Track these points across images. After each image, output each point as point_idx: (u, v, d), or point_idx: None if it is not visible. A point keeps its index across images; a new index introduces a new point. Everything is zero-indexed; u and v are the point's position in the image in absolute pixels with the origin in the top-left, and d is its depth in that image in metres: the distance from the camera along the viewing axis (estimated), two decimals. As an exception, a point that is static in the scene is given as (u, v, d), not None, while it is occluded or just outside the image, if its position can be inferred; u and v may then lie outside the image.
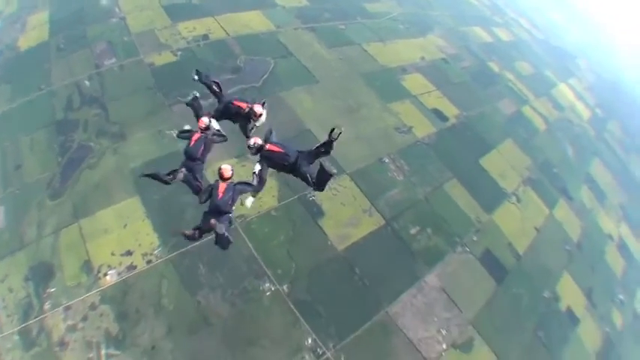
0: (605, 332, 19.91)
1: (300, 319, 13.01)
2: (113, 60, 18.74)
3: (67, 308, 11.99)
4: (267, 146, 9.55)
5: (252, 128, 10.82)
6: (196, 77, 10.94)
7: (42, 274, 12.68)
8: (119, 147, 15.72)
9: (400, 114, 20.99)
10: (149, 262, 13.02)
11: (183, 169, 9.56)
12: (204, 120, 9.37)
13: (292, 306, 13.11)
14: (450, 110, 23.28)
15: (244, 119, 10.32)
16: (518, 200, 20.73)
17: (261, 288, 13.24)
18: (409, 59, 26.01)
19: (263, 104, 10.48)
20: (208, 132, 9.76)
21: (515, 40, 40.52)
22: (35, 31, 21.34)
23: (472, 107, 24.55)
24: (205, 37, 20.56)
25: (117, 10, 21.66)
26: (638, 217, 29.92)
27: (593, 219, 24.67)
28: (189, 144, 9.29)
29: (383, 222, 16.10)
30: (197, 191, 9.38)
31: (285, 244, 14.22)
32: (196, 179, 9.30)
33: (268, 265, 13.67)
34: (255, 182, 9.24)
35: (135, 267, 12.87)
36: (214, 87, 10.52)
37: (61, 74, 18.41)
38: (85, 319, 11.84)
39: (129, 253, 13.16)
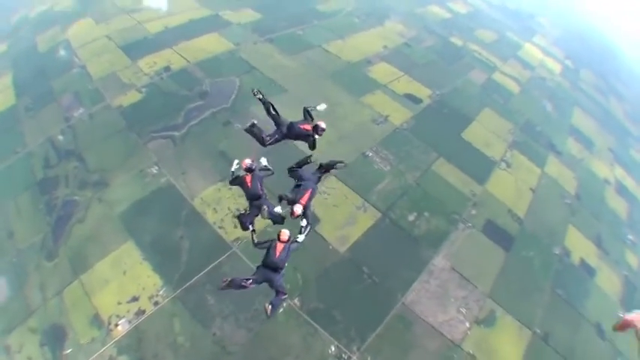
0: (624, 276, 19.96)
1: (318, 329, 12.91)
2: (81, 110, 18.63)
3: (88, 366, 11.90)
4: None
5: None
6: (259, 96, 10.36)
7: (55, 337, 12.50)
8: (103, 195, 15.61)
9: (374, 105, 21.03)
10: (156, 303, 12.88)
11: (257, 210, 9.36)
12: (247, 162, 9.22)
13: (307, 317, 13.02)
14: (422, 92, 23.32)
15: (309, 137, 10.07)
16: (508, 165, 20.80)
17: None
18: (372, 50, 26.10)
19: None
20: (255, 170, 9.60)
21: (472, 11, 40.67)
22: (1, 95, 21.16)
23: (443, 85, 24.63)
24: (167, 68, 20.52)
25: (76, 59, 21.57)
26: (629, 156, 30.10)
27: (585, 168, 24.78)
28: (247, 186, 9.11)
29: (379, 215, 16.06)
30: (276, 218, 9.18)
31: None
32: (271, 212, 9.08)
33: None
34: (307, 231, 9.22)
35: (144, 311, 12.72)
36: (272, 109, 10.19)
37: (34, 134, 18.30)
38: (106, 374, 11.73)
39: (135, 298, 13.02)
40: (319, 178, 9.69)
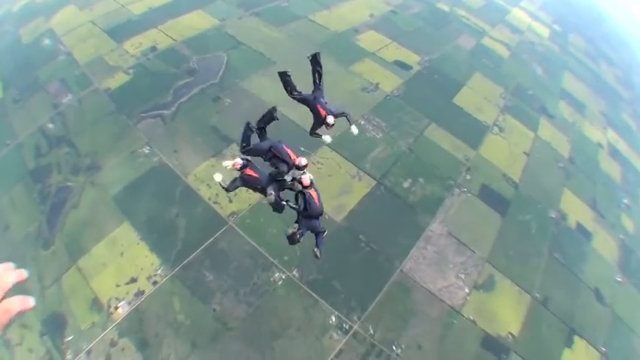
0: (620, 240, 20.18)
1: (318, 300, 12.94)
2: (70, 96, 18.33)
3: (89, 352, 11.78)
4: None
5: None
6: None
7: (56, 326, 12.45)
8: (96, 178, 15.44)
9: (363, 74, 20.91)
10: (155, 283, 12.83)
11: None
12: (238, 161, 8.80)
13: (307, 289, 13.04)
14: (411, 58, 23.18)
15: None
16: (501, 130, 20.78)
17: (271, 279, 13.13)
18: (358, 19, 25.79)
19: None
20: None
21: (458, -24, 40.21)
22: (-12, 91, 20.88)
23: (432, 50, 24.47)
24: (153, 48, 20.21)
25: (61, 47, 21.13)
26: (621, 119, 30.14)
27: (578, 131, 24.82)
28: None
29: (374, 183, 16.00)
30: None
31: (283, 229, 13.96)
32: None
33: (273, 254, 13.54)
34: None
35: (143, 292, 12.69)
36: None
37: (23, 124, 17.99)
38: (108, 358, 11.65)
39: (133, 280, 12.96)
40: None
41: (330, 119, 8.88)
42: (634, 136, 29.82)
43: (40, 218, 14.82)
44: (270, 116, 9.04)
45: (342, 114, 9.24)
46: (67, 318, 12.53)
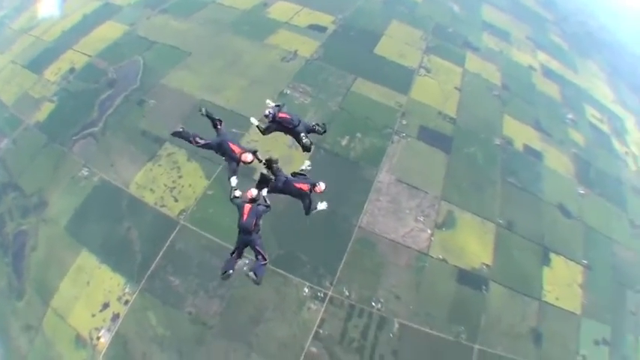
0: (573, 154, 22.22)
1: (286, 275, 14.13)
2: (5, 140, 18.71)
3: (89, 393, 12.58)
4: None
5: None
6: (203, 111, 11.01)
7: (50, 374, 13.12)
8: (46, 214, 16.16)
9: (280, 44, 21.96)
10: (126, 302, 13.75)
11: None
12: (253, 192, 9.86)
13: (273, 267, 14.02)
14: (325, 20, 24.30)
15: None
16: (428, 71, 22.32)
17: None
18: (265, -8, 26.59)
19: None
20: (257, 202, 10.31)
21: None
22: None
23: (344, 8, 25.57)
24: (72, 70, 20.71)
25: (-12, 92, 21.54)
26: (549, 40, 32.49)
27: (506, 58, 26.79)
28: (241, 218, 9.74)
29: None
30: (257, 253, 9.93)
31: (234, 214, 14.77)
32: (258, 252, 9.78)
33: (231, 241, 14.13)
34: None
35: (118, 315, 13.60)
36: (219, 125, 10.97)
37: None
38: (108, 391, 12.50)
39: (106, 305, 13.86)
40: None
41: (247, 157, 10.16)
42: (565, 53, 32.04)
43: (7, 270, 15.54)
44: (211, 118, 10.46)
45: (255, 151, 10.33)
46: (58, 361, 13.39)
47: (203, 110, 10.44)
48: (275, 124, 11.17)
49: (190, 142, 10.06)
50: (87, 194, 16.19)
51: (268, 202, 9.89)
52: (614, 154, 24.89)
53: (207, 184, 15.78)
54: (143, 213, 15.40)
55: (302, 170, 10.94)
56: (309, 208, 10.16)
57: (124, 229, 15.11)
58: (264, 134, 11.34)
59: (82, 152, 17.34)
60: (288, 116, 11.10)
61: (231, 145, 9.92)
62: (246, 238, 9.55)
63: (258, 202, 9.76)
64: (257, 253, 9.51)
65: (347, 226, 15.42)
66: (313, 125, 11.47)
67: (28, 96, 20.15)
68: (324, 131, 11.64)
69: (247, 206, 9.46)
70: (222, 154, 10.09)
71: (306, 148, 11.29)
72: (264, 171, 10.25)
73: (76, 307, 14.03)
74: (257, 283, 9.20)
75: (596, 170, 22.31)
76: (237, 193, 9.72)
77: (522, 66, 27.05)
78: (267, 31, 22.93)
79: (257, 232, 9.61)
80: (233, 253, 9.71)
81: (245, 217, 9.39)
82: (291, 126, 11.07)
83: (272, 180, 10.09)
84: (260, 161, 10.31)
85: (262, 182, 10.23)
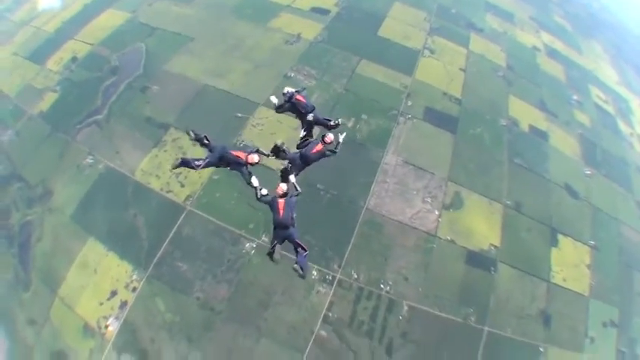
0: (579, 134, 22.30)
1: (294, 258, 14.04)
2: (9, 132, 18.59)
3: (95, 379, 12.67)
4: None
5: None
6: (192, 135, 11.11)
7: (58, 364, 13.24)
8: (51, 204, 16.10)
9: (283, 27, 21.93)
10: (134, 289, 13.77)
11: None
12: (283, 187, 9.93)
13: (282, 251, 14.08)
14: (328, 2, 24.29)
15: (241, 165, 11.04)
16: (432, 52, 22.32)
17: (243, 251, 14.24)
18: (267, -25, 26.48)
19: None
20: (289, 195, 10.38)
21: None
22: None
23: (347, -10, 25.47)
24: (74, 59, 20.59)
25: (-8, 85, 21.46)
26: (553, 21, 32.43)
27: (511, 39, 26.81)
28: (277, 215, 9.79)
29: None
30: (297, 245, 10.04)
31: (241, 198, 15.02)
32: (297, 244, 9.86)
33: (238, 226, 14.59)
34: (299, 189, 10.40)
35: (126, 302, 13.62)
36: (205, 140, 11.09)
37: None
38: (116, 379, 12.59)
39: (113, 293, 13.85)
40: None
41: (254, 157, 10.23)
42: (569, 34, 32.03)
43: (13, 262, 15.45)
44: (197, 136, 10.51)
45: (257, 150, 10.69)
46: (67, 353, 13.47)
47: (191, 134, 10.39)
48: (289, 105, 11.61)
49: (193, 167, 10.17)
50: (92, 182, 16.13)
51: (299, 188, 10.26)
52: (620, 135, 24.89)
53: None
54: (149, 199, 15.38)
55: (302, 138, 11.69)
56: (335, 150, 11.08)
57: (131, 216, 15.07)
58: (277, 112, 11.83)
59: (86, 140, 17.27)
60: (304, 100, 11.59)
61: (233, 153, 10.14)
62: (284, 233, 9.72)
63: (290, 195, 9.93)
64: (297, 245, 9.71)
65: (354, 207, 15.44)
66: (326, 119, 11.89)
67: (31, 87, 20.05)
68: (338, 125, 11.93)
69: (280, 201, 9.67)
70: (228, 165, 10.30)
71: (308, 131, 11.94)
72: (281, 166, 10.79)
73: (83, 296, 14.03)
74: (303, 277, 9.59)
75: (602, 151, 22.36)
76: (264, 191, 9.87)
77: (526, 47, 27.05)
78: (269, 14, 22.86)
79: (294, 226, 9.72)
80: (271, 252, 9.97)
81: (281, 212, 9.57)
82: (304, 111, 11.50)
83: (290, 167, 10.45)
84: (268, 155, 10.72)
85: (285, 173, 10.43)
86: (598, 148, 22.33)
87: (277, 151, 10.48)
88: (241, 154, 10.12)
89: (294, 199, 9.77)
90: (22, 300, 14.74)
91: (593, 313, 16.35)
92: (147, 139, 16.83)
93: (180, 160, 10.08)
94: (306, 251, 9.67)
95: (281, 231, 9.63)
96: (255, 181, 9.91)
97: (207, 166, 10.25)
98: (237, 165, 10.11)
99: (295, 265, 9.37)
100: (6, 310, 14.88)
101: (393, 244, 15.01)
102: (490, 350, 14.23)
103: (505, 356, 14.45)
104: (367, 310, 13.84)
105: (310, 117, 11.52)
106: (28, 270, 15.11)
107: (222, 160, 10.22)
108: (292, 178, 10.21)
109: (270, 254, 9.94)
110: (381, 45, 21.90)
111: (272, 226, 9.73)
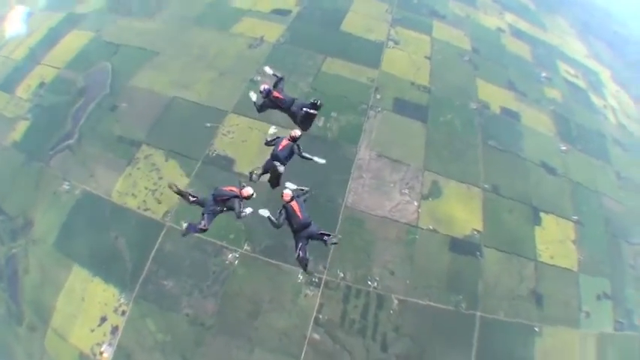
0: (551, 111, 22.71)
1: (279, 264, 14.24)
2: None
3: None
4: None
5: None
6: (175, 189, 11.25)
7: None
8: (33, 234, 15.97)
9: (245, 32, 21.93)
10: (123, 313, 13.77)
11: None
12: (288, 192, 10.36)
13: (264, 258, 14.31)
14: (288, 3, 24.26)
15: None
16: (396, 43, 22.47)
17: (227, 262, 14.30)
18: (225, -18, 26.48)
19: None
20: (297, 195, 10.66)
21: None
22: None
23: (306, -11, 25.56)
24: (42, 84, 20.28)
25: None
26: (516, 1, 32.85)
27: (474, 23, 27.15)
28: (297, 218, 9.99)
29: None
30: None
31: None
32: (322, 234, 10.29)
33: (219, 237, 14.64)
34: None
35: (117, 327, 13.62)
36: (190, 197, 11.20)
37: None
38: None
39: (103, 319, 13.84)
40: None
41: (248, 190, 10.56)
42: (532, 13, 32.61)
43: (4, 296, 15.39)
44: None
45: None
46: (66, 385, 13.42)
47: (174, 188, 10.73)
48: (269, 102, 12.28)
49: (202, 230, 10.53)
50: (70, 208, 16.03)
51: (304, 187, 11.09)
52: (593, 109, 25.31)
53: (189, 181, 15.68)
54: (128, 219, 15.33)
55: (271, 136, 12.22)
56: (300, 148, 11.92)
57: (112, 238, 15.03)
58: (259, 112, 12.54)
59: (60, 166, 17.14)
60: (281, 96, 12.17)
61: (225, 188, 10.52)
62: (306, 232, 10.18)
63: (298, 195, 10.49)
64: (322, 235, 10.23)
65: (333, 206, 15.55)
66: (308, 103, 12.21)
67: (3, 117, 19.81)
68: (320, 105, 12.27)
69: (294, 205, 10.11)
70: (224, 204, 10.52)
71: (304, 124, 12.53)
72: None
73: (75, 324, 13.99)
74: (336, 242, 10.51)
75: (576, 125, 22.70)
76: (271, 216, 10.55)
77: (490, 29, 27.39)
78: (231, 20, 22.85)
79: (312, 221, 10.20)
80: (299, 255, 10.28)
81: (300, 215, 10.05)
82: (284, 106, 12.07)
83: (274, 172, 11.24)
84: (259, 177, 11.66)
85: (274, 180, 10.81)
86: (572, 123, 22.65)
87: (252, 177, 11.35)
88: (234, 189, 10.46)
89: (301, 197, 10.32)
90: (17, 334, 14.69)
91: (585, 287, 16.58)
92: (120, 158, 16.75)
93: (186, 228, 10.81)
94: (329, 235, 10.15)
95: (304, 231, 10.08)
96: (264, 212, 10.53)
97: (211, 217, 10.55)
98: (233, 198, 10.34)
99: (329, 243, 10.07)
100: (4, 345, 14.91)
101: (376, 239, 15.14)
102: (485, 335, 14.39)
103: (500, 339, 14.56)
104: (357, 309, 13.93)
105: (294, 109, 11.93)
106: (19, 303, 15.05)
107: (219, 202, 10.42)
108: (290, 185, 11.29)
109: (305, 265, 10.57)
110: (345, 40, 22.02)
111: (292, 234, 10.25)
